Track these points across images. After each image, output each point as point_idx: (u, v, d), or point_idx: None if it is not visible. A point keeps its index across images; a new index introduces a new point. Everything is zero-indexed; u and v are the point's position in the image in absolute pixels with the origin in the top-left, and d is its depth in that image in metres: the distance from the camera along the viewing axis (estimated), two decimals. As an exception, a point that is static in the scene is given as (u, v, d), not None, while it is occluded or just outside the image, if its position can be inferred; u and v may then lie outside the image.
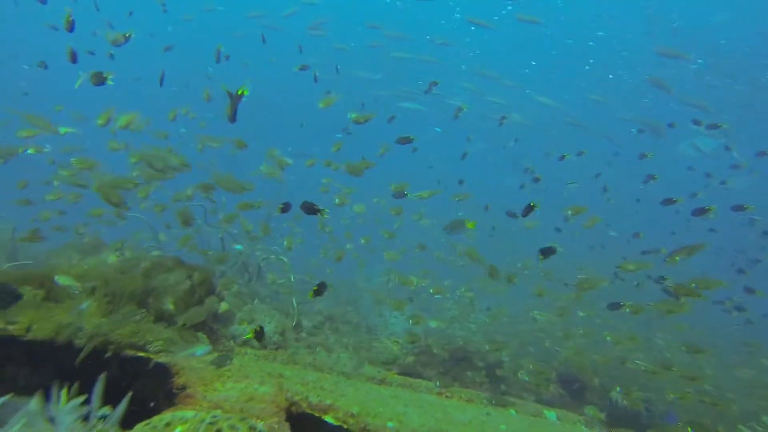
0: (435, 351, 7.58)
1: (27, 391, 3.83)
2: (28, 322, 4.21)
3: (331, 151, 8.82)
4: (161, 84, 8.08)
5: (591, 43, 23.77)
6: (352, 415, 3.41)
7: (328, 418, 3.31)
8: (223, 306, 6.55)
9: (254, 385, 3.52)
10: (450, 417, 4.33)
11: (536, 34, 23.56)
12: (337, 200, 7.52)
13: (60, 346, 4.25)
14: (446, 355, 7.41)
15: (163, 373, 3.76)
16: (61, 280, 4.58)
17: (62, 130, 6.28)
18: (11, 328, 3.85)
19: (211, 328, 5.65)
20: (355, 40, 20.71)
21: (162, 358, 4.12)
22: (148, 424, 1.25)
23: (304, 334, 7.59)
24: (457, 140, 19.32)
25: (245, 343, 5.49)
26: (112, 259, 9.47)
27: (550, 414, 6.31)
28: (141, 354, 4.29)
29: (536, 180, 11.78)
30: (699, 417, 6.85)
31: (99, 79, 5.11)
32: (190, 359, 4.46)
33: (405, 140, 9.08)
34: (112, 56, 9.01)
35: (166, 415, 1.29)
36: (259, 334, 4.55)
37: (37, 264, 7.58)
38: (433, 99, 22.73)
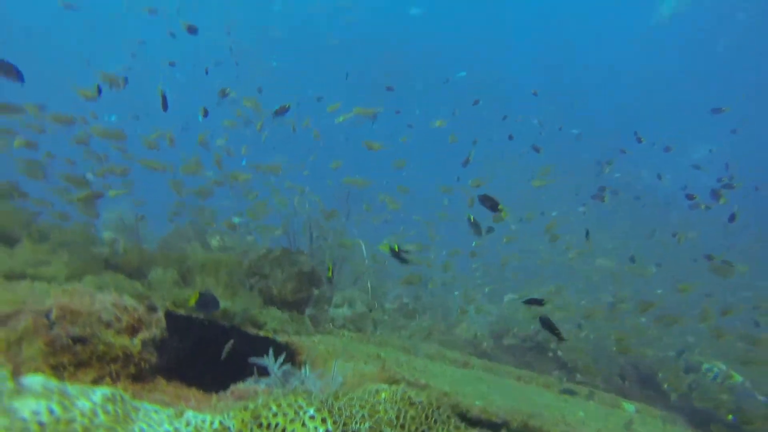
0: (508, 341, 7.91)
1: (176, 354, 4.79)
2: (173, 298, 5.19)
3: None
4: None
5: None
6: (445, 394, 3.92)
7: (423, 397, 3.88)
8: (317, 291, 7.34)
9: (360, 364, 4.14)
10: (530, 400, 4.71)
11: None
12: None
13: (195, 320, 5.19)
14: (520, 342, 7.71)
15: (284, 350, 4.49)
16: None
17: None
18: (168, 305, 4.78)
19: (313, 311, 6.44)
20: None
21: (280, 338, 4.89)
22: (362, 389, 1.76)
23: (386, 317, 8.24)
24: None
25: (343, 326, 6.21)
26: (214, 243, 10.78)
27: (629, 406, 6.42)
28: (260, 332, 5.11)
29: None
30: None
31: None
32: (301, 338, 5.22)
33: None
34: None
35: (372, 386, 1.80)
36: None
37: (160, 246, 8.82)
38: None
